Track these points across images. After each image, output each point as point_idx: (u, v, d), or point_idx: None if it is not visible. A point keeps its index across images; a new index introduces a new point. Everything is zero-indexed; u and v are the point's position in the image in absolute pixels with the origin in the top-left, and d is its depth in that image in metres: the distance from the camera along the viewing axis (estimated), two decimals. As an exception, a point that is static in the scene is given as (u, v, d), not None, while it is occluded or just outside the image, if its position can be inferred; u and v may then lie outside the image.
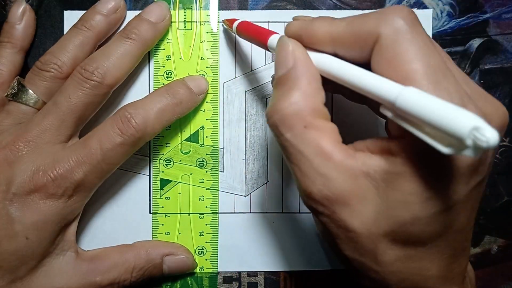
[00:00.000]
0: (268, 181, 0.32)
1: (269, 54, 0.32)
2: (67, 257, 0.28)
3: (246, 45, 0.32)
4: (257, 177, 0.32)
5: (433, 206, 0.19)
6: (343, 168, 0.20)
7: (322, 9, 0.32)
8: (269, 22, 0.32)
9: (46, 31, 0.32)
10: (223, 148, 0.32)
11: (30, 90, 0.28)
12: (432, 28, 0.32)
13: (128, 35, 0.29)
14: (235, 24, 0.29)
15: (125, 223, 0.32)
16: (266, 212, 0.32)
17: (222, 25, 0.31)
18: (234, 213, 0.32)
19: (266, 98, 0.32)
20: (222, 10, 0.32)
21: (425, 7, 0.32)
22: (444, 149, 0.16)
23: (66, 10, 0.32)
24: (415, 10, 0.32)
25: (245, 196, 0.32)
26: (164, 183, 0.32)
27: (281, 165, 0.32)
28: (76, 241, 0.29)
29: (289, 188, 0.32)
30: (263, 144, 0.32)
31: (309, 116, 0.21)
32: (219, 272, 0.32)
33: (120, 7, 0.30)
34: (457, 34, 0.32)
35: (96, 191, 0.29)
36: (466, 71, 0.32)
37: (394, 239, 0.20)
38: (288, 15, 0.32)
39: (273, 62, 0.32)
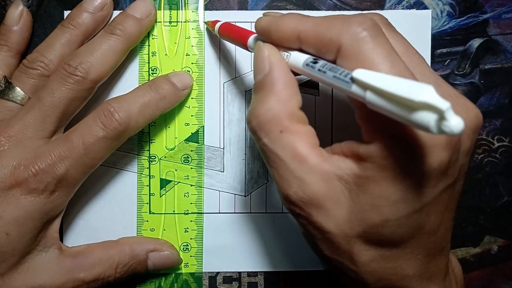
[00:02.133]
0: (268, 181, 0.32)
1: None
2: (50, 254, 0.28)
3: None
4: (257, 177, 0.32)
5: (402, 209, 0.20)
6: (318, 172, 0.21)
7: (322, 9, 0.32)
8: (269, 22, 0.32)
9: (46, 31, 0.32)
10: (223, 148, 0.32)
11: (17, 88, 0.28)
12: (432, 28, 0.32)
13: (112, 31, 0.29)
14: (217, 26, 0.29)
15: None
16: (266, 212, 0.32)
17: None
18: (234, 213, 0.32)
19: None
20: (222, 10, 0.32)
21: (425, 7, 0.32)
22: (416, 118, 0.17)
23: (66, 10, 0.32)
24: (413, 11, 0.32)
25: (245, 196, 0.32)
26: (149, 179, 0.32)
27: (281, 165, 0.32)
28: (61, 236, 0.29)
29: (289, 188, 0.32)
30: (263, 144, 0.32)
31: (285, 121, 0.21)
32: (218, 272, 0.32)
33: (107, 4, 0.30)
34: (457, 34, 0.32)
35: (82, 187, 0.29)
36: (466, 71, 0.32)
37: (368, 240, 0.21)
38: (288, 15, 0.32)
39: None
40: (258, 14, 0.32)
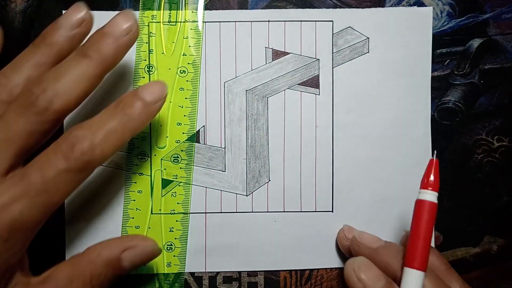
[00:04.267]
0: (269, 180, 0.32)
1: (269, 53, 0.32)
2: None
3: (245, 44, 0.32)
4: (259, 176, 0.32)
5: None
6: None
7: (322, 8, 0.32)
8: (269, 21, 0.32)
9: (46, 31, 0.31)
10: (224, 148, 0.32)
11: None
12: (432, 28, 0.32)
13: (86, 53, 0.25)
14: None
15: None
16: (267, 211, 0.32)
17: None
18: (236, 212, 0.32)
19: (267, 98, 0.32)
20: (223, 10, 0.32)
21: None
22: None
23: (66, 10, 0.31)
24: (414, 8, 0.32)
25: (246, 196, 0.32)
26: (137, 176, 0.32)
27: (282, 164, 0.32)
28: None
29: (290, 187, 0.32)
30: (264, 143, 0.32)
31: None
32: (218, 272, 0.32)
33: (85, 20, 0.26)
34: (457, 34, 0.32)
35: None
36: (466, 71, 0.32)
37: None
38: (288, 14, 0.32)
39: (274, 61, 0.32)
40: (258, 13, 0.32)
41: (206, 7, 0.32)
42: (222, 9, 0.32)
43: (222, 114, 0.32)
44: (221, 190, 0.32)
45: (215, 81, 0.32)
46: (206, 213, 0.32)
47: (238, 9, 0.32)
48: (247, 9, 0.32)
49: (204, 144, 0.32)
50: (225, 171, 0.32)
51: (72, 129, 0.24)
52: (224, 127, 0.32)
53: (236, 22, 0.32)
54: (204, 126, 0.32)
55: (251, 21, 0.32)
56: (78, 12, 0.26)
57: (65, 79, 0.24)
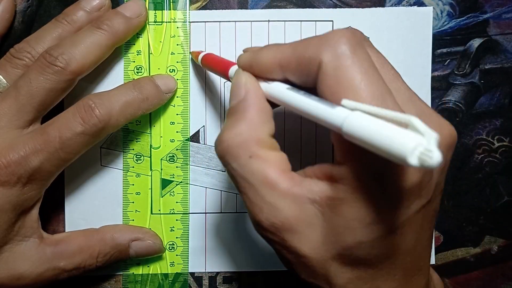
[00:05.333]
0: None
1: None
2: (30, 243, 0.27)
3: (245, 44, 0.32)
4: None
5: (376, 230, 0.20)
6: (289, 196, 0.21)
7: (322, 8, 0.32)
8: (269, 21, 0.32)
9: (46, 30, 0.31)
10: (224, 148, 0.32)
11: (0, 76, 0.28)
12: (432, 28, 0.32)
13: (99, 26, 0.28)
14: (200, 56, 0.29)
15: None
16: (267, 211, 0.32)
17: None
18: (236, 212, 0.32)
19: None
20: (223, 9, 0.32)
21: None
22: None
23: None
24: (414, 8, 0.32)
25: (246, 196, 0.32)
26: (134, 178, 0.32)
27: (282, 164, 0.32)
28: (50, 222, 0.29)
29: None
30: (264, 143, 0.32)
31: (254, 147, 0.21)
32: (218, 273, 0.32)
33: (105, 5, 0.30)
34: (457, 34, 0.32)
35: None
36: (466, 71, 0.32)
37: (344, 262, 0.21)
38: (288, 14, 0.32)
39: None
40: (258, 13, 0.32)
41: (206, 7, 0.32)
42: (222, 9, 0.32)
43: (222, 114, 0.32)
44: (221, 190, 0.32)
45: (215, 81, 0.32)
46: (206, 213, 0.32)
47: (238, 9, 0.32)
48: (247, 9, 0.32)
49: (204, 144, 0.32)
50: (225, 171, 0.32)
51: (91, 96, 0.27)
52: (224, 127, 0.32)
53: (236, 22, 0.32)
54: (204, 126, 0.32)
55: (251, 21, 0.32)
56: None
57: (80, 45, 0.27)
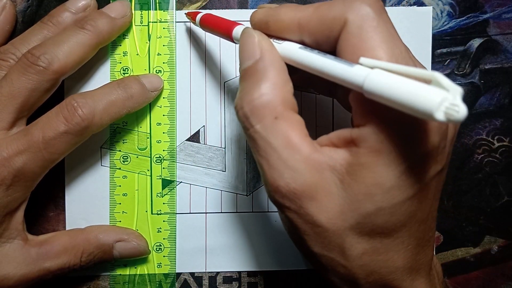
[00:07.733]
0: (269, 180, 0.32)
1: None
2: (14, 245, 0.27)
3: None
4: (259, 176, 0.32)
5: (396, 195, 0.20)
6: (310, 162, 0.20)
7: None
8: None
9: (46, 30, 0.31)
10: (225, 148, 0.32)
11: None
12: (432, 28, 0.32)
13: (83, 26, 0.28)
14: (198, 17, 0.29)
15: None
16: (268, 211, 0.32)
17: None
18: (236, 212, 0.32)
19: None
20: (223, 9, 0.32)
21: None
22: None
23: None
24: (414, 8, 0.32)
25: (247, 196, 0.32)
26: (121, 179, 0.32)
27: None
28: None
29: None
30: (264, 143, 0.32)
31: (280, 107, 0.21)
32: (218, 273, 0.32)
33: (90, 6, 0.30)
34: (457, 34, 0.32)
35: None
36: (466, 71, 0.32)
37: (360, 232, 0.21)
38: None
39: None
40: (258, 13, 0.32)
41: (206, 7, 0.32)
42: (222, 9, 0.32)
43: (222, 114, 0.32)
44: (221, 190, 0.32)
45: (215, 81, 0.32)
46: (206, 213, 0.32)
47: (238, 8, 0.32)
48: (247, 8, 0.32)
49: (204, 144, 0.32)
50: (225, 171, 0.32)
51: (75, 95, 0.27)
52: (224, 127, 0.32)
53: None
54: (204, 126, 0.32)
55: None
56: None
57: (63, 45, 0.27)
